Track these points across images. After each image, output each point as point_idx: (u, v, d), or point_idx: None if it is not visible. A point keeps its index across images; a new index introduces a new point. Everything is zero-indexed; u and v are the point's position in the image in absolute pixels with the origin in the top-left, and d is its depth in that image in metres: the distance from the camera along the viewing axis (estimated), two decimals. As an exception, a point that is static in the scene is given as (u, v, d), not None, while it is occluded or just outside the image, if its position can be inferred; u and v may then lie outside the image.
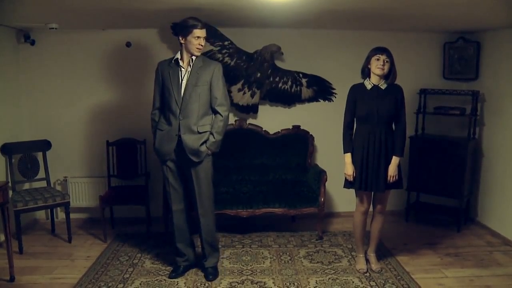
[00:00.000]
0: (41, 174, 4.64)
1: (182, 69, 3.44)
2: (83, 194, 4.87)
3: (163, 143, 3.50)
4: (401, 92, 3.57)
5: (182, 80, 3.44)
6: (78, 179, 4.87)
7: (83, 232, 4.68)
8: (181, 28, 3.38)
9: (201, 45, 3.39)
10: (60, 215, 4.90)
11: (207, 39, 4.47)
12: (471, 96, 4.65)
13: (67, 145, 4.87)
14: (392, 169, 3.54)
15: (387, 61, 3.46)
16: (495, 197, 4.63)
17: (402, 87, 3.61)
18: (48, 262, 3.98)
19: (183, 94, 3.42)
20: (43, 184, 4.62)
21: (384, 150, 3.54)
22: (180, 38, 3.40)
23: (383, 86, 3.54)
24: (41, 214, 4.96)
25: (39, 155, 4.65)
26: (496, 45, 4.60)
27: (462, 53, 4.89)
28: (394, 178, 3.55)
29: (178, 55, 3.44)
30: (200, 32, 3.35)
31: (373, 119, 3.51)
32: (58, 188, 4.88)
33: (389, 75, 3.52)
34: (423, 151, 4.80)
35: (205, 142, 3.46)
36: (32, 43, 4.68)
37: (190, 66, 3.44)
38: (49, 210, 4.69)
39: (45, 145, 4.66)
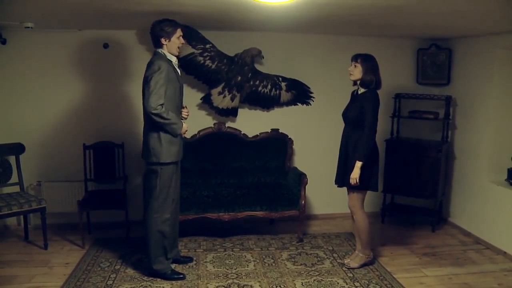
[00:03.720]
0: (14, 178, 4.46)
1: (175, 67, 3.55)
2: (58, 199, 4.69)
3: (180, 143, 3.58)
4: (368, 98, 3.62)
5: (179, 78, 3.58)
6: (52, 183, 4.70)
7: (59, 238, 4.52)
8: (163, 30, 3.42)
9: (182, 44, 3.56)
10: (33, 220, 4.70)
11: (189, 41, 4.45)
12: (445, 101, 4.83)
13: (42, 148, 4.70)
14: (353, 172, 3.62)
15: (355, 66, 3.63)
16: (466, 198, 4.82)
17: (378, 91, 3.68)
18: (25, 270, 3.83)
19: (182, 90, 3.67)
20: (16, 189, 4.44)
21: (351, 151, 3.71)
22: (163, 40, 3.43)
23: (360, 91, 3.72)
24: (11, 221, 4.76)
25: (12, 159, 4.47)
26: (466, 52, 4.79)
27: (435, 59, 5.07)
28: (355, 181, 3.62)
29: (169, 56, 3.48)
30: (181, 31, 3.50)
31: (344, 122, 3.81)
32: (32, 192, 4.69)
33: (365, 80, 3.62)
34: (398, 154, 4.93)
35: None
36: (4, 42, 4.49)
37: (175, 65, 3.56)
38: (22, 216, 4.51)
39: (18, 149, 4.47)
